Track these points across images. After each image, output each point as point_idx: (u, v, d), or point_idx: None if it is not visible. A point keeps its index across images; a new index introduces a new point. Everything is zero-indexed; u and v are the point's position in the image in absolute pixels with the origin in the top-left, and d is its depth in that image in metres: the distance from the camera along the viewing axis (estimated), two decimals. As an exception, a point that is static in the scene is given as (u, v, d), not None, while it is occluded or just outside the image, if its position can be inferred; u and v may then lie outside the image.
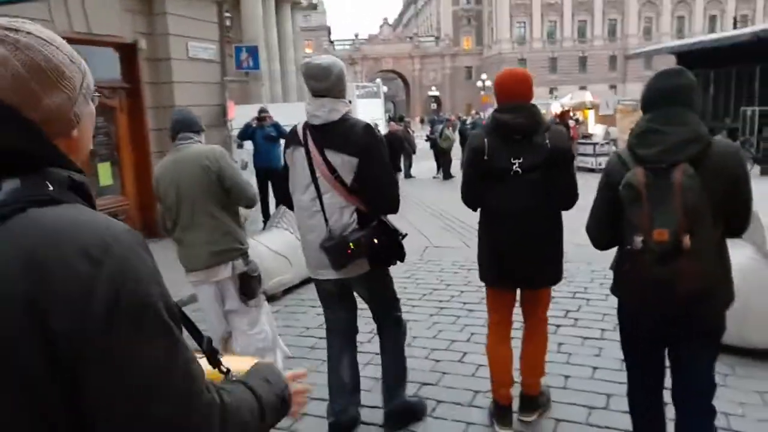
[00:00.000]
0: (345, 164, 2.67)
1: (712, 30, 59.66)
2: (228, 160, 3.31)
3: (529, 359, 3.17)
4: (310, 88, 2.71)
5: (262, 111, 9.24)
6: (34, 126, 0.80)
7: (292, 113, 14.62)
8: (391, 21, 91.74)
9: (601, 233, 2.38)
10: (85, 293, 0.72)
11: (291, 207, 2.97)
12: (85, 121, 0.89)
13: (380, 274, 2.93)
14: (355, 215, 2.73)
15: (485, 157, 2.81)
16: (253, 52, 11.28)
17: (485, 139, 2.84)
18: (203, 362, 0.97)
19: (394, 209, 2.79)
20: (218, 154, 3.24)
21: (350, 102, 2.95)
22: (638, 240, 2.04)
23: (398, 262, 2.89)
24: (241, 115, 9.68)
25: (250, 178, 8.36)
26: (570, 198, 2.88)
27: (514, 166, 2.77)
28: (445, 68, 74.48)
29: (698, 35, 45.69)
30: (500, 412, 3.11)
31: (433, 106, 72.17)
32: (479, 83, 49.68)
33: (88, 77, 0.90)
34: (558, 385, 3.59)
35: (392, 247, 2.82)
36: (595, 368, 3.85)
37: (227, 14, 21.82)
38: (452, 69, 74.17)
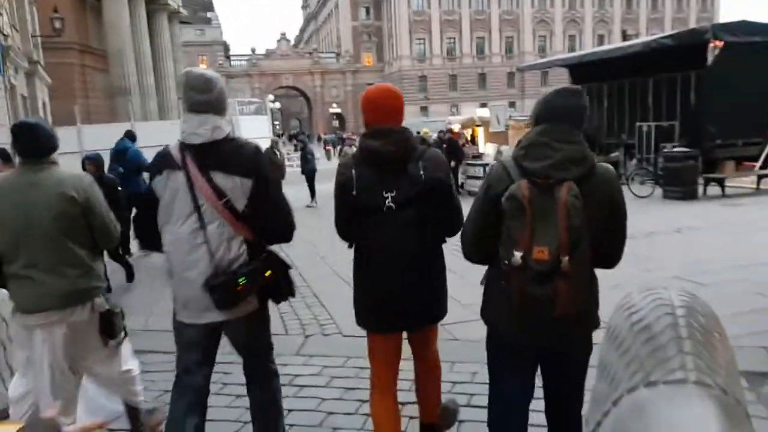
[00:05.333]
0: (237, 187, 2.37)
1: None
2: (98, 194, 2.88)
3: (424, 399, 2.95)
4: (190, 101, 2.42)
5: None
6: None
7: (168, 132, 12.13)
8: (292, 37, 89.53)
9: (476, 246, 2.25)
10: None
11: (154, 244, 2.55)
12: None
13: (264, 315, 2.62)
14: (244, 246, 2.42)
15: (353, 192, 2.46)
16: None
17: (353, 171, 2.48)
18: None
19: (289, 237, 2.58)
20: (87, 185, 2.85)
21: (231, 121, 2.62)
22: (518, 255, 1.98)
23: (289, 299, 2.66)
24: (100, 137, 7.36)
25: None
26: (453, 228, 2.54)
27: (387, 201, 2.43)
28: (346, 85, 73.07)
29: (589, 52, 46.54)
30: None
31: (335, 123, 70.33)
32: (378, 100, 48.16)
33: None
34: None
35: (283, 281, 2.57)
36: None
37: (56, 14, 18.58)
38: (354, 86, 72.76)
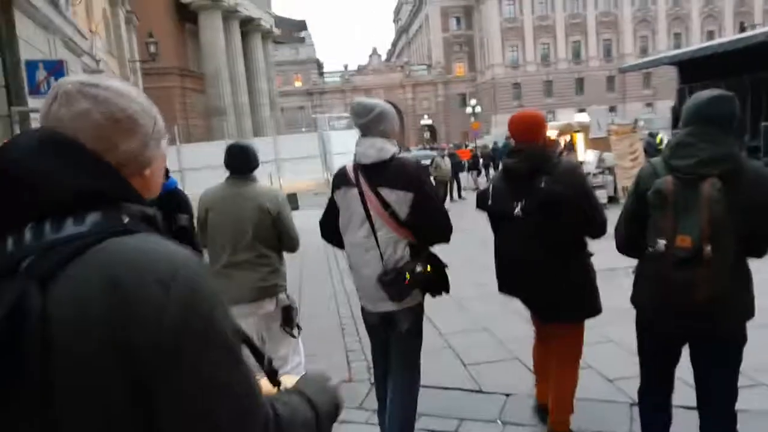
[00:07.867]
0: (400, 199, 2.74)
1: (711, 45, 57.36)
2: (288, 208, 3.48)
3: (553, 393, 3.20)
4: (355, 124, 2.88)
5: None
6: (112, 168, 0.89)
7: (262, 148, 12.16)
8: (384, 51, 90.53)
9: (625, 236, 2.50)
10: (158, 315, 0.78)
11: (341, 245, 3.02)
12: (156, 161, 0.99)
13: (422, 308, 2.96)
14: (407, 248, 2.79)
15: (489, 202, 3.08)
16: (56, 69, 7.79)
17: (491, 185, 3.14)
18: (263, 381, 1.04)
19: (447, 238, 2.87)
20: (280, 200, 3.45)
21: (395, 142, 2.92)
22: (662, 243, 2.17)
23: (443, 294, 2.94)
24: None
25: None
26: (596, 227, 2.88)
27: (516, 210, 2.90)
28: (438, 96, 72.70)
29: (698, 50, 43.08)
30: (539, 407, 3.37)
31: (427, 135, 70.02)
32: (468, 109, 47.24)
33: (158, 123, 0.99)
34: None
35: (440, 278, 2.88)
36: None
37: (151, 38, 19.36)
38: (445, 96, 72.30)
